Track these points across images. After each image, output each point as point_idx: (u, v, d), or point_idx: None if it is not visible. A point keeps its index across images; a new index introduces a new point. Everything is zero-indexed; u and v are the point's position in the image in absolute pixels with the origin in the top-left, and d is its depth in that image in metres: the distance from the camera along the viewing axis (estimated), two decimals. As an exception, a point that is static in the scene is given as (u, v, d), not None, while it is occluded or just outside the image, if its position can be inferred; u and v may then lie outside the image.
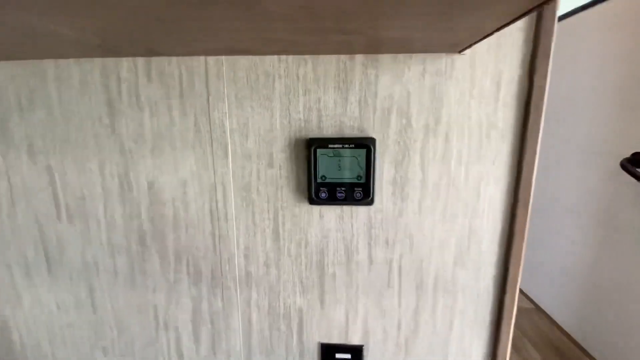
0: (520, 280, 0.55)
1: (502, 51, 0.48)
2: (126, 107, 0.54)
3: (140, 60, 0.52)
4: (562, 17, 1.63)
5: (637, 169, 1.21)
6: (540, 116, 0.49)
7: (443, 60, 0.49)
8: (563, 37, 1.61)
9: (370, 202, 0.53)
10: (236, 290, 0.59)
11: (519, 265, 0.53)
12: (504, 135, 0.50)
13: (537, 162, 0.50)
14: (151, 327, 0.62)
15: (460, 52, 0.48)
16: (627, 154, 1.25)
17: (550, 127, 1.78)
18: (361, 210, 0.55)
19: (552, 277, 1.69)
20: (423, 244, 0.55)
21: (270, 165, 0.54)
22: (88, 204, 0.58)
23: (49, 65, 0.53)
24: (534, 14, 0.47)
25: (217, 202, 0.56)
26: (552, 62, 1.82)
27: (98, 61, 0.53)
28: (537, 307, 1.75)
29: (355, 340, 0.60)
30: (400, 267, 0.56)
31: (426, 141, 0.51)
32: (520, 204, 0.52)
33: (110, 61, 0.53)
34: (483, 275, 0.56)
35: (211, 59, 0.51)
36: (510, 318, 0.55)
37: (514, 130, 0.50)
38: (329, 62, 0.50)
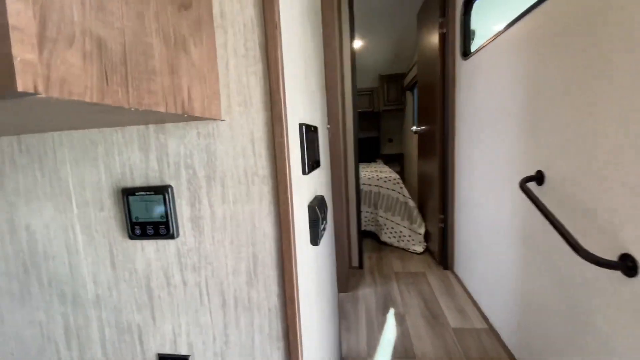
0: (297, 297, 0.65)
1: (250, 116, 0.62)
2: (8, 172, 0.73)
3: (14, 138, 0.72)
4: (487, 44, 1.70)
5: (531, 190, 1.22)
6: (285, 166, 0.61)
7: (210, 126, 0.63)
8: (486, 61, 1.67)
9: (172, 237, 0.67)
10: (91, 309, 0.74)
11: (292, 283, 0.64)
12: (264, 180, 0.63)
13: (294, 200, 0.62)
14: (39, 340, 0.79)
15: (221, 119, 0.62)
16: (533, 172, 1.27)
17: (477, 147, 1.82)
18: (172, 243, 0.68)
19: (498, 297, 1.66)
20: (221, 270, 0.68)
21: (102, 209, 0.70)
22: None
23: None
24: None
25: (70, 239, 0.72)
26: (479, 83, 1.86)
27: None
28: (491, 327, 1.72)
29: (183, 351, 0.72)
30: (207, 289, 0.69)
31: (209, 187, 0.65)
32: (284, 235, 0.63)
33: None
34: (269, 294, 0.67)
35: (56, 134, 0.69)
36: (296, 330, 0.65)
37: (271, 176, 0.63)
38: (133, 132, 0.66)
